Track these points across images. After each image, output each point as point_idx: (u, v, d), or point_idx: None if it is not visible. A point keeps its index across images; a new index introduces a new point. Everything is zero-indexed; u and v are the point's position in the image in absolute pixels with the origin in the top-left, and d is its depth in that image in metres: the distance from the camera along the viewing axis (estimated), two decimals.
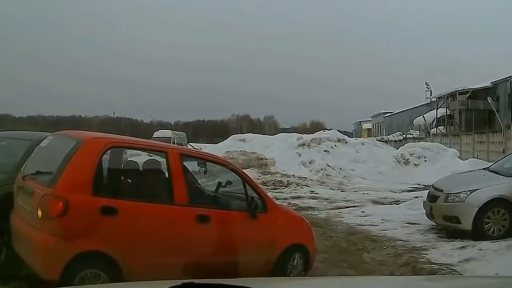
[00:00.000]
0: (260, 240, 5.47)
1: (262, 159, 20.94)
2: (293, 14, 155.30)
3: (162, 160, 5.13)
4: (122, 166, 5.43)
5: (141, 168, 5.45)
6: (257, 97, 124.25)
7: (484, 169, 10.31)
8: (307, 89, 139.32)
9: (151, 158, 5.44)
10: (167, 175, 5.05)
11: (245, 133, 34.76)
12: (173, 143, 22.76)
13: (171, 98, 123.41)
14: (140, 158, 6.04)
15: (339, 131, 28.03)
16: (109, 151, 4.86)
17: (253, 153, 21.73)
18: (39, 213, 4.40)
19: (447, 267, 6.69)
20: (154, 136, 32.78)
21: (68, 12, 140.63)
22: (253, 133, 33.01)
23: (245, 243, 5.25)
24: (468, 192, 8.66)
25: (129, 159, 5.67)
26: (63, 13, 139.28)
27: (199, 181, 5.82)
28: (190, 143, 30.49)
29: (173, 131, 38.57)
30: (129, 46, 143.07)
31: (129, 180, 5.32)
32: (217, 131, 76.75)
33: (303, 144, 22.08)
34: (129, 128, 64.80)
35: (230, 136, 28.73)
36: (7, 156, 6.75)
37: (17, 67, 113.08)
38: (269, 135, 31.51)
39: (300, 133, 26.33)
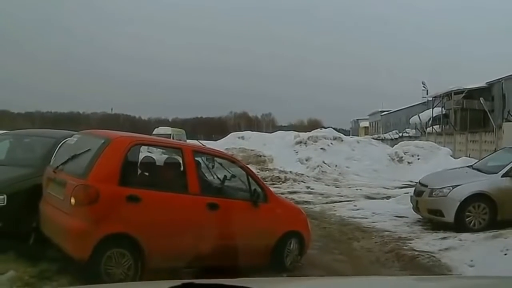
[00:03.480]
0: (261, 226, 6.24)
1: (260, 156, 21.53)
2: (291, 15, 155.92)
3: (178, 156, 5.90)
4: (144, 160, 6.15)
5: (158, 163, 6.21)
6: (255, 95, 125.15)
7: (468, 166, 11.09)
8: (304, 88, 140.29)
9: (169, 156, 6.21)
10: (182, 169, 5.81)
11: (243, 130, 35.41)
12: (173, 139, 23.46)
13: (169, 96, 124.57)
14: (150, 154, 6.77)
15: (336, 129, 28.67)
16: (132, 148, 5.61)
17: (251, 150, 22.29)
18: (73, 200, 5.11)
19: (427, 254, 7.42)
20: (154, 132, 33.48)
21: (67, 10, 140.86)
22: (251, 130, 33.67)
23: (248, 228, 6.03)
24: (451, 188, 9.37)
25: (146, 155, 6.39)
26: (62, 11, 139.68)
27: (211, 172, 6.54)
28: (200, 140, 31.07)
29: (173, 128, 39.42)
30: (127, 44, 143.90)
31: (150, 173, 6.04)
32: (214, 128, 77.05)
33: (300, 142, 22.64)
34: (127, 124, 65.40)
35: (229, 133, 29.23)
36: (33, 152, 7.41)
37: (16, 64, 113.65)
38: (267, 132, 31.95)
39: (297, 131, 26.89)
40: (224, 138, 27.58)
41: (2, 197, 6.03)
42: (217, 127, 77.70)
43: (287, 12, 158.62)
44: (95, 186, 5.05)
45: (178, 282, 1.88)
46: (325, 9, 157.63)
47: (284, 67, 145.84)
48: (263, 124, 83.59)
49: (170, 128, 39.45)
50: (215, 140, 29.65)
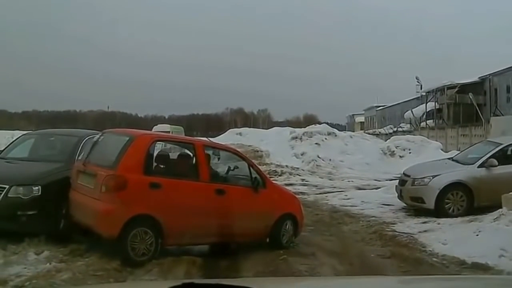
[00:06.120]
0: (261, 209, 7.28)
1: (258, 151, 22.15)
2: (287, 15, 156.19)
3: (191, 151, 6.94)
4: (162, 153, 7.13)
5: (173, 156, 7.23)
6: (251, 92, 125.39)
7: (448, 158, 12.09)
8: (300, 84, 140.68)
9: (183, 150, 7.24)
10: (194, 160, 6.83)
11: (239, 126, 36.09)
12: None
13: (165, 93, 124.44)
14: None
15: (332, 124, 29.46)
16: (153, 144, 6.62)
17: (249, 145, 22.88)
18: (103, 188, 6.10)
19: (407, 235, 8.41)
20: (153, 130, 34.25)
21: (64, 11, 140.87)
22: (247, 126, 34.31)
23: (250, 211, 7.07)
24: (431, 177, 10.30)
25: (162, 149, 7.39)
26: (59, 12, 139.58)
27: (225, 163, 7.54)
28: (209, 138, 31.64)
29: (171, 126, 40.11)
30: (124, 44, 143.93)
31: (168, 163, 7.01)
32: (211, 124, 77.56)
33: (296, 137, 23.41)
34: (124, 122, 66.12)
35: (225, 130, 29.98)
36: (59, 149, 8.34)
37: (13, 64, 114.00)
38: (263, 128, 32.59)
39: (293, 127, 27.66)
40: (222, 135, 28.27)
41: (37, 188, 6.91)
42: (213, 124, 78.28)
43: (283, 11, 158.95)
44: (123, 176, 6.06)
45: (178, 282, 1.92)
46: (321, 8, 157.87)
47: (280, 64, 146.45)
48: (260, 120, 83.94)
49: (168, 125, 40.01)
50: (212, 137, 30.44)
